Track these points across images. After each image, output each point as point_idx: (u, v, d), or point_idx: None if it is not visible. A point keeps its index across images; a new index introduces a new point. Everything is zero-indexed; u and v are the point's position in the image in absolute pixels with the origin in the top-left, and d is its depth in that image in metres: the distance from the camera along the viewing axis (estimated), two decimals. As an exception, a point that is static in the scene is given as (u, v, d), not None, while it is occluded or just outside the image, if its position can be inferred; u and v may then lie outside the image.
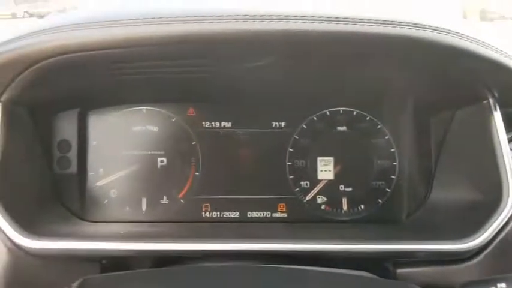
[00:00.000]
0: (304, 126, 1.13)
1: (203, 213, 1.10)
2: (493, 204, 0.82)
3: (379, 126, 1.13)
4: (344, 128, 1.13)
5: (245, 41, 0.70)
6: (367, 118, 1.13)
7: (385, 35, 0.73)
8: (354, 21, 0.73)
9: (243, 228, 1.06)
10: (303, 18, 0.72)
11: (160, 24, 0.69)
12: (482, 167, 0.90)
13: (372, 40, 0.74)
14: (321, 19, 0.72)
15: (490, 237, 0.78)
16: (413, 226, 1.04)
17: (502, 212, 0.79)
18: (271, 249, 0.85)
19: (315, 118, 1.14)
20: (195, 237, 0.97)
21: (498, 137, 0.88)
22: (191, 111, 1.13)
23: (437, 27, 0.77)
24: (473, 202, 0.91)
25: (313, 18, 0.72)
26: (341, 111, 1.14)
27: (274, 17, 0.71)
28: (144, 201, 1.10)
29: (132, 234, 0.99)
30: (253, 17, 0.70)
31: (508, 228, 0.79)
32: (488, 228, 0.79)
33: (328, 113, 1.14)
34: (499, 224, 0.78)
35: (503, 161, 0.85)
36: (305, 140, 1.13)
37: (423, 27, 0.76)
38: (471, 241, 0.79)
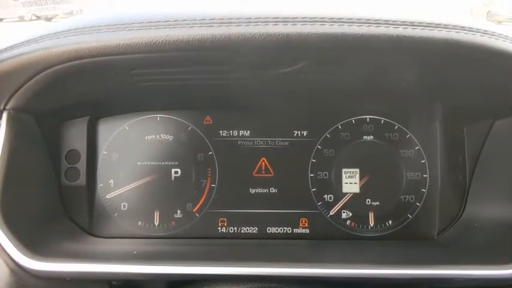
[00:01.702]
0: (328, 136, 1.06)
1: (219, 228, 1.03)
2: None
3: (408, 136, 1.06)
4: (371, 138, 1.06)
5: (276, 45, 0.63)
6: (396, 127, 1.06)
7: (431, 39, 0.66)
8: (395, 24, 0.66)
9: (262, 248, 0.99)
10: (339, 21, 0.65)
11: (183, 28, 0.62)
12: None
13: (417, 44, 0.67)
14: (359, 21, 0.65)
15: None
16: (445, 245, 0.96)
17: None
18: (292, 274, 0.78)
19: (339, 127, 1.06)
20: (211, 257, 0.90)
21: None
22: (208, 119, 1.06)
23: (486, 31, 0.69)
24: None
25: (350, 21, 0.65)
26: (368, 120, 1.06)
27: (308, 20, 0.64)
28: (156, 215, 1.03)
29: (144, 254, 0.92)
30: (285, 20, 0.63)
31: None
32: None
33: (354, 121, 1.06)
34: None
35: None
36: (329, 150, 1.06)
37: (471, 30, 0.68)
38: None
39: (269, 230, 1.03)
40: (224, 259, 0.87)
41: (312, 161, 1.06)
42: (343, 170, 1.05)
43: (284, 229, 1.03)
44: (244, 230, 1.03)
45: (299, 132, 1.06)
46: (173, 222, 1.03)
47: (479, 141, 0.99)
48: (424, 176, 1.04)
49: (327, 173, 1.05)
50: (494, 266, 0.73)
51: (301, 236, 1.03)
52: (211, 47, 0.64)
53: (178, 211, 1.03)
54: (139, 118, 1.06)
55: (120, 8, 0.77)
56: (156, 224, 1.03)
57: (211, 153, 1.05)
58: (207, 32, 0.64)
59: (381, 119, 1.06)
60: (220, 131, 1.06)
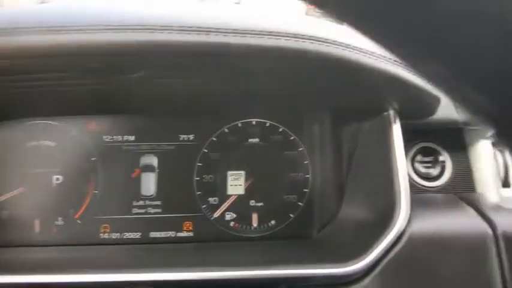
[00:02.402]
0: (214, 139, 1.08)
1: (101, 234, 1.02)
2: (385, 224, 0.78)
3: (292, 138, 1.09)
4: (256, 140, 1.08)
5: (94, 53, 0.64)
6: (281, 129, 1.09)
7: (264, 47, 0.68)
8: (235, 32, 0.68)
9: (144, 252, 0.99)
10: (170, 29, 0.66)
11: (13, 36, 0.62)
12: (380, 183, 0.87)
13: (249, 52, 0.69)
14: (190, 30, 0.67)
15: (375, 260, 0.74)
16: (320, 244, 0.99)
17: (389, 233, 0.75)
18: (172, 278, 0.79)
19: (226, 130, 1.08)
20: (90, 265, 0.89)
21: (395, 151, 0.84)
22: (92, 125, 1.06)
23: (327, 39, 0.72)
24: (369, 221, 0.87)
25: (181, 29, 0.66)
26: (254, 123, 1.09)
27: (158, 28, 0.65)
28: (37, 222, 1.01)
29: (20, 263, 0.90)
30: (116, 27, 0.64)
31: (395, 251, 0.75)
32: (373, 251, 0.74)
33: (240, 124, 1.08)
34: (384, 247, 0.74)
35: (398, 176, 0.82)
36: (215, 153, 1.07)
37: (310, 39, 0.71)
38: (352, 265, 0.74)
39: (152, 234, 1.03)
40: (104, 266, 0.86)
41: (198, 165, 1.07)
42: (229, 172, 1.07)
43: (168, 233, 1.04)
44: (127, 235, 1.03)
45: (185, 136, 1.07)
46: (55, 230, 1.02)
47: (354, 143, 1.03)
48: (307, 176, 1.08)
49: (212, 176, 1.07)
50: (333, 264, 0.76)
51: (185, 240, 1.04)
52: (38, 54, 0.64)
53: (60, 218, 1.02)
54: (20, 125, 1.04)
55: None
56: (37, 232, 1.01)
57: (95, 159, 1.04)
58: (36, 39, 0.64)
59: (266, 122, 1.09)
60: (104, 136, 1.05)
